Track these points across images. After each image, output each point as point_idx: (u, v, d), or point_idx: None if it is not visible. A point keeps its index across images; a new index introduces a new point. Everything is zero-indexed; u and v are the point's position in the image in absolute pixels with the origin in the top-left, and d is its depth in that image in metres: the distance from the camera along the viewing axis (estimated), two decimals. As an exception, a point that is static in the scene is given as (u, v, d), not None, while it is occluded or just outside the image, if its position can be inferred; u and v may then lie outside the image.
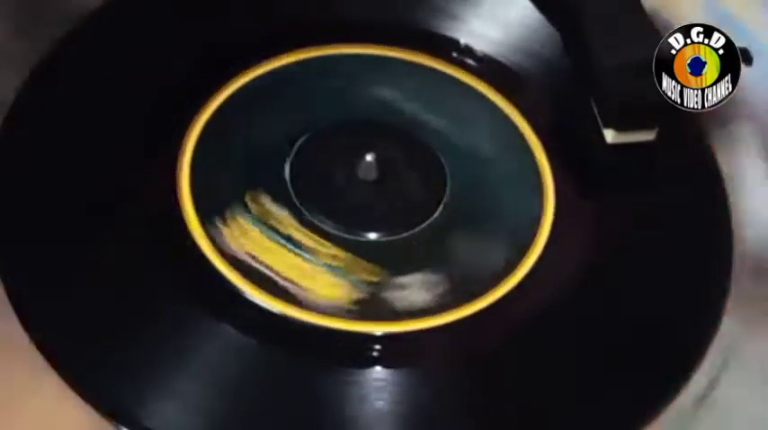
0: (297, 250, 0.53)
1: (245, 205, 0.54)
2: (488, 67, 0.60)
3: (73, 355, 0.49)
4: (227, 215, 0.53)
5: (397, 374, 0.50)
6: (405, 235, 0.54)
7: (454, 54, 0.60)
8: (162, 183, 0.54)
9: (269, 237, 0.53)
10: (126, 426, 0.48)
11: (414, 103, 0.59)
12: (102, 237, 0.52)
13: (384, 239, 0.54)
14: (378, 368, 0.50)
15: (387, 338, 0.51)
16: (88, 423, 0.48)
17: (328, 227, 0.54)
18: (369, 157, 0.55)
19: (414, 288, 0.52)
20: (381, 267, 0.53)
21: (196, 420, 0.48)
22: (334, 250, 0.53)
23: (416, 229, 0.54)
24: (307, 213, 0.54)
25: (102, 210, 0.53)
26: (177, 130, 0.56)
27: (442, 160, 0.56)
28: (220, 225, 0.53)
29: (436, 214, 0.55)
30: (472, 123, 0.58)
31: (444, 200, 0.55)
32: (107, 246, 0.52)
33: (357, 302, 0.52)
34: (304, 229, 0.53)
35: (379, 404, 0.49)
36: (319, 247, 0.53)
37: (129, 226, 0.53)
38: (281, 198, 0.54)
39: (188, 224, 0.53)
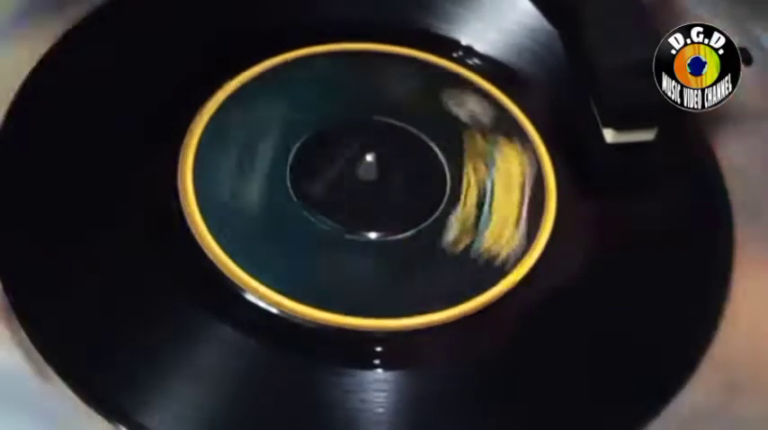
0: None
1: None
2: (489, 68, 0.60)
3: (73, 355, 0.49)
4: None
5: (397, 374, 0.50)
6: (402, 236, 0.54)
7: (455, 54, 0.60)
8: (163, 182, 0.54)
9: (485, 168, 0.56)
10: (126, 426, 0.48)
11: (414, 102, 0.59)
12: (103, 237, 0.52)
13: (381, 240, 0.54)
14: (378, 368, 0.50)
15: (387, 338, 0.51)
16: (88, 423, 0.48)
17: (327, 226, 0.54)
18: (369, 157, 0.55)
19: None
20: None
21: (196, 420, 0.48)
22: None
23: (414, 231, 0.54)
24: (306, 213, 0.54)
25: (103, 210, 0.53)
26: (178, 130, 0.56)
27: (442, 160, 0.56)
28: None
29: (435, 215, 0.55)
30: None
31: (444, 200, 0.55)
32: (107, 246, 0.52)
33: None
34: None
35: (379, 404, 0.49)
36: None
37: (130, 226, 0.53)
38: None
39: (189, 224, 0.53)
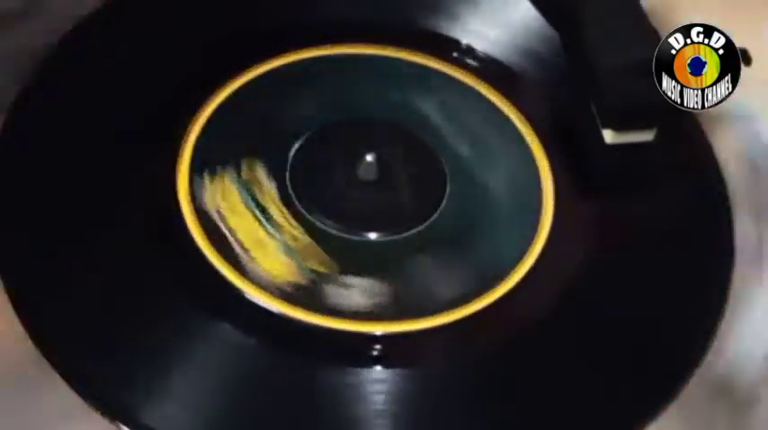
0: (264, 220, 0.53)
1: (239, 168, 0.54)
2: (489, 68, 0.60)
3: (73, 355, 0.49)
4: (217, 172, 0.54)
5: (397, 374, 0.50)
6: (398, 236, 0.54)
7: (455, 54, 0.60)
8: (162, 182, 0.54)
9: (244, 202, 0.53)
10: (126, 426, 0.48)
11: (414, 102, 0.59)
12: (103, 237, 0.52)
13: (363, 239, 0.54)
14: (378, 368, 0.50)
15: (387, 338, 0.51)
16: (88, 422, 0.48)
17: (326, 225, 0.54)
18: (369, 157, 0.55)
19: (355, 290, 0.52)
20: (335, 262, 0.53)
21: (196, 419, 0.48)
22: (296, 232, 0.53)
23: (412, 232, 0.54)
24: (298, 203, 0.54)
25: (103, 210, 0.53)
26: (177, 130, 0.56)
27: (442, 160, 0.56)
28: (207, 180, 0.53)
29: (435, 215, 0.55)
30: (472, 124, 0.58)
31: (443, 201, 0.55)
32: (107, 246, 0.52)
33: (295, 286, 0.52)
34: (280, 205, 0.54)
35: (379, 404, 0.49)
36: (286, 225, 0.53)
37: (130, 226, 0.53)
38: (275, 173, 0.55)
39: (188, 224, 0.53)
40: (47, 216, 0.53)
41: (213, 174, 0.54)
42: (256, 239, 0.53)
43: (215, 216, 0.53)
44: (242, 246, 0.52)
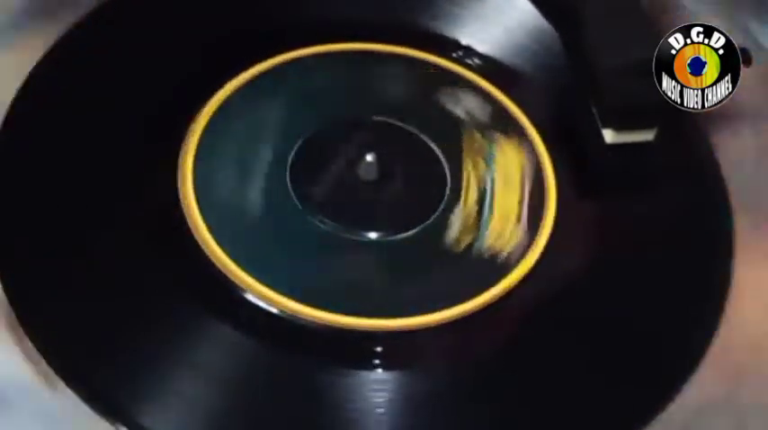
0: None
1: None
2: (489, 68, 0.60)
3: (73, 356, 0.49)
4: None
5: (397, 374, 0.50)
6: (402, 236, 0.54)
7: (455, 54, 0.60)
8: (163, 182, 0.54)
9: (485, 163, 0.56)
10: (126, 426, 0.48)
11: (414, 102, 0.59)
12: (103, 237, 0.52)
13: (381, 240, 0.54)
14: (378, 368, 0.50)
15: (387, 338, 0.51)
16: (88, 422, 0.48)
17: (324, 224, 0.54)
18: (369, 157, 0.55)
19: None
20: None
21: (196, 420, 0.48)
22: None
23: (414, 230, 0.54)
24: (306, 213, 0.54)
25: (103, 210, 0.53)
26: (178, 130, 0.56)
27: (442, 160, 0.56)
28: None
29: (435, 215, 0.55)
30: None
31: (444, 200, 0.55)
32: (107, 246, 0.52)
33: None
34: None
35: (379, 404, 0.49)
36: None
37: (130, 226, 0.53)
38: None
39: (189, 224, 0.53)
40: (46, 216, 0.53)
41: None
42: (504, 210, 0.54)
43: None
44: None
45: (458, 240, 0.54)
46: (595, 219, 0.55)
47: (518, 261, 0.53)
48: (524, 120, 0.58)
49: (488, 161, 0.56)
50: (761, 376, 0.52)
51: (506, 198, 0.55)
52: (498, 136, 0.57)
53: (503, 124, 0.58)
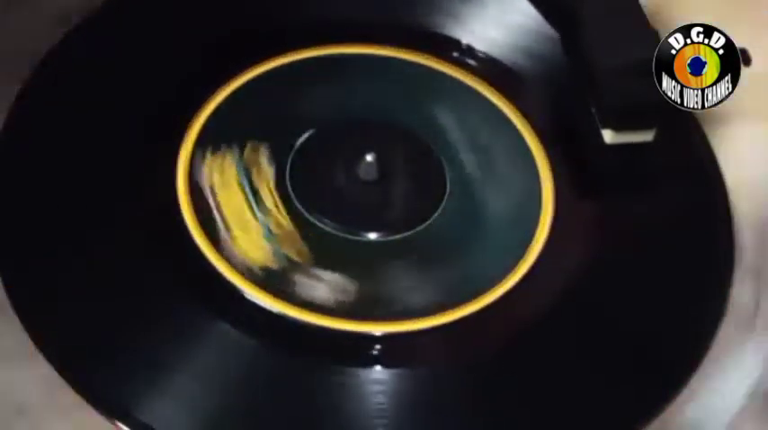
0: (252, 201, 0.53)
1: (242, 149, 0.55)
2: (489, 68, 0.60)
3: (73, 355, 0.49)
4: (221, 150, 0.54)
5: (397, 374, 0.50)
6: (397, 236, 0.54)
7: (455, 54, 0.60)
8: (162, 182, 0.54)
9: (239, 181, 0.54)
10: (126, 426, 0.48)
11: (414, 103, 0.59)
12: (103, 237, 0.52)
13: (381, 240, 0.54)
14: (378, 368, 0.50)
15: (387, 338, 0.51)
16: (88, 421, 0.48)
17: (316, 218, 0.54)
18: (369, 157, 0.55)
19: (323, 284, 0.52)
20: (311, 253, 0.53)
21: (196, 420, 0.48)
22: (282, 219, 0.53)
23: (411, 232, 0.54)
24: (301, 207, 0.54)
25: (103, 210, 0.53)
26: (178, 130, 0.56)
27: (442, 160, 0.56)
28: (208, 155, 0.54)
29: (435, 215, 0.55)
30: (472, 123, 0.58)
31: (443, 200, 0.55)
32: (107, 246, 0.52)
33: (264, 269, 0.52)
34: (274, 189, 0.54)
35: (379, 404, 0.49)
36: (273, 210, 0.54)
37: (130, 226, 0.53)
38: (277, 157, 0.55)
39: (188, 224, 0.53)
40: (47, 216, 0.53)
41: (216, 151, 0.55)
42: (240, 218, 0.53)
43: (207, 191, 0.53)
44: (225, 223, 0.53)
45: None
46: (595, 219, 0.55)
47: (518, 261, 0.53)
48: (524, 120, 0.58)
49: None
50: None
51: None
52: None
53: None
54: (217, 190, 0.54)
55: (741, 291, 0.54)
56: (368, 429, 0.49)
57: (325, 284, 0.52)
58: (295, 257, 0.53)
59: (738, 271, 0.55)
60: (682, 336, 0.53)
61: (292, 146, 0.56)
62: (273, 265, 0.52)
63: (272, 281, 0.52)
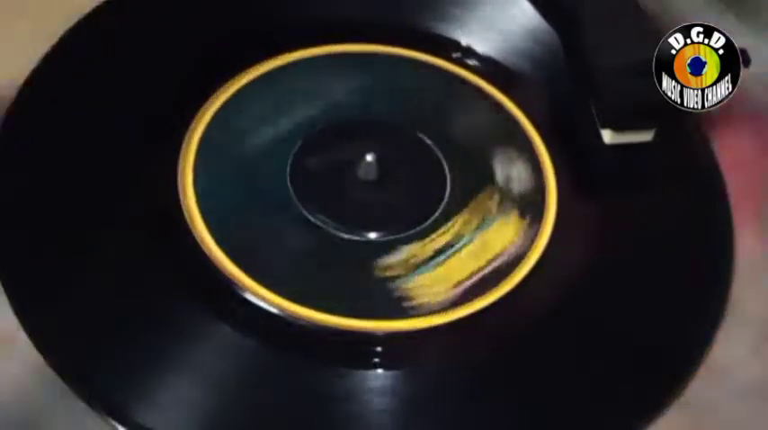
0: None
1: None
2: (489, 68, 0.60)
3: (73, 355, 0.49)
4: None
5: (396, 375, 0.50)
6: (402, 235, 0.54)
7: (455, 54, 0.60)
8: (163, 182, 0.54)
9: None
10: (125, 426, 0.48)
11: (414, 103, 0.59)
12: (103, 237, 0.52)
13: (381, 240, 0.54)
14: (377, 368, 0.50)
15: (387, 338, 0.51)
16: (88, 422, 0.48)
17: (329, 227, 0.54)
18: (369, 157, 0.55)
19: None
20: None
21: (196, 420, 0.48)
22: None
23: (411, 232, 0.54)
24: (306, 213, 0.54)
25: (103, 210, 0.53)
26: (178, 130, 0.56)
27: (442, 160, 0.56)
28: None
29: (435, 215, 0.55)
30: (472, 123, 0.58)
31: (444, 200, 0.55)
32: (107, 246, 0.52)
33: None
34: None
35: (380, 404, 0.49)
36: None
37: (130, 226, 0.53)
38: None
39: (189, 224, 0.53)
40: (47, 216, 0.53)
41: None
42: None
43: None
44: None
45: (388, 267, 0.53)
46: (595, 219, 0.55)
47: (518, 261, 0.53)
48: (524, 120, 0.58)
49: (482, 225, 0.55)
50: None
51: (463, 264, 0.54)
52: (513, 212, 0.55)
53: (529, 202, 0.56)
54: None
55: (741, 291, 0.54)
56: (368, 429, 0.49)
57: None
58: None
59: (738, 271, 0.55)
60: (682, 336, 0.53)
61: (293, 146, 0.56)
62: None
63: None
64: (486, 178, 0.56)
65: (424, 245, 0.54)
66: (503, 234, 0.54)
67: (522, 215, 0.55)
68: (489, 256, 0.54)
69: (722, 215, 0.56)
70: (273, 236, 0.53)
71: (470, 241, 0.54)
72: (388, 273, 0.53)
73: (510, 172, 0.56)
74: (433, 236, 0.54)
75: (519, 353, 0.51)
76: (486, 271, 0.53)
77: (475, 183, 0.56)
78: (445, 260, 0.53)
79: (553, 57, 0.59)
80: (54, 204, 0.53)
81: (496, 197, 0.55)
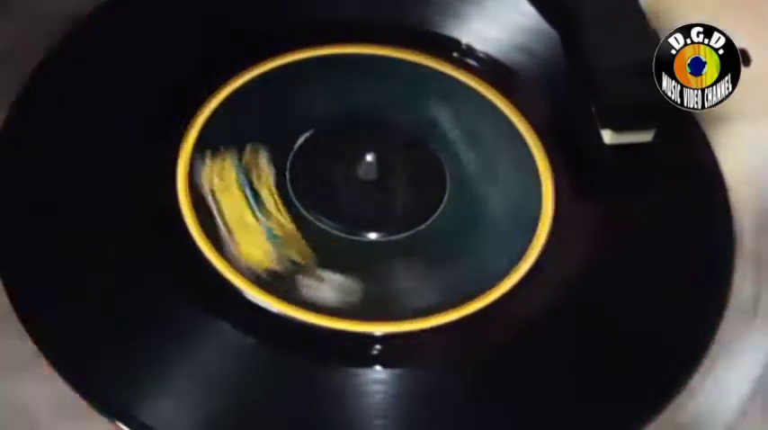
0: (253, 204, 0.54)
1: (241, 151, 0.55)
2: (489, 68, 0.60)
3: (73, 355, 0.49)
4: (220, 153, 0.54)
5: (396, 374, 0.50)
6: (397, 236, 0.54)
7: (455, 54, 0.60)
8: (162, 182, 0.54)
9: (239, 184, 0.54)
10: (126, 425, 0.48)
11: (414, 103, 0.59)
12: (103, 237, 0.52)
13: (381, 240, 0.54)
14: (378, 368, 0.50)
15: (387, 338, 0.51)
16: (88, 422, 0.48)
17: (317, 219, 0.54)
18: (369, 157, 0.55)
19: (327, 285, 0.52)
20: (314, 254, 0.53)
21: (196, 419, 0.48)
22: (283, 220, 0.53)
23: (411, 231, 0.54)
24: (302, 208, 0.54)
25: (103, 210, 0.53)
26: (177, 130, 0.56)
27: (442, 160, 0.56)
28: (207, 159, 0.54)
29: (435, 215, 0.55)
30: (472, 123, 0.58)
31: (444, 200, 0.55)
32: (107, 246, 0.52)
33: (270, 272, 0.52)
34: (275, 191, 0.54)
35: (379, 404, 0.49)
36: (274, 212, 0.54)
37: (130, 225, 0.53)
38: (277, 158, 0.55)
39: (188, 224, 0.53)
40: (47, 216, 0.53)
41: (215, 153, 0.55)
42: (242, 222, 0.53)
43: (207, 196, 0.53)
44: (227, 227, 0.53)
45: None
46: (595, 219, 0.55)
47: (518, 261, 0.53)
48: (524, 120, 0.58)
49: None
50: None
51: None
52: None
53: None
54: (217, 193, 0.54)
55: (741, 292, 0.54)
56: (368, 429, 0.49)
57: (328, 285, 0.52)
58: (298, 259, 0.52)
59: (738, 271, 0.55)
60: (682, 336, 0.53)
61: (292, 146, 0.56)
62: (278, 268, 0.52)
63: (279, 284, 0.52)
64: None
65: None
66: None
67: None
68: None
69: (722, 215, 0.56)
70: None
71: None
72: None
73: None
74: None
75: (518, 352, 0.51)
76: None
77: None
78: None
79: (553, 57, 0.59)
80: (54, 204, 0.53)
81: None
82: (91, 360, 0.49)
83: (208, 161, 0.54)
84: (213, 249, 0.52)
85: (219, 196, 0.54)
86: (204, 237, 0.52)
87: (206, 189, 0.54)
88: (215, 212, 0.53)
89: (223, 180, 0.54)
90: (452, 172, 0.56)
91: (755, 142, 0.59)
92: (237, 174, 0.54)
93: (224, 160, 0.55)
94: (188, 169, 0.54)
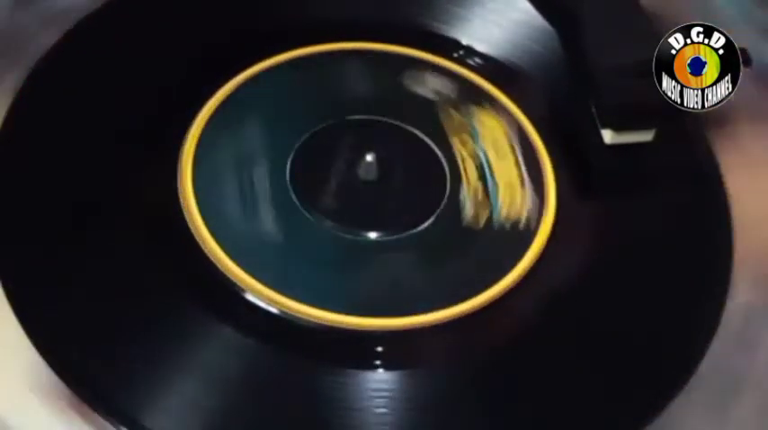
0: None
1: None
2: (489, 67, 0.60)
3: (73, 356, 0.49)
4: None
5: (397, 374, 0.50)
6: (398, 236, 0.54)
7: (455, 54, 0.60)
8: (163, 182, 0.54)
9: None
10: (126, 426, 0.48)
11: (414, 102, 0.59)
12: (103, 237, 0.52)
13: (381, 239, 0.54)
14: (378, 368, 0.50)
15: (387, 338, 0.51)
16: (88, 422, 0.48)
17: (327, 225, 0.54)
18: (369, 157, 0.55)
19: None
20: None
21: (196, 420, 0.48)
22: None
23: (411, 231, 0.54)
24: (306, 212, 0.54)
25: (103, 210, 0.53)
26: (177, 130, 0.56)
27: (442, 160, 0.56)
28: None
29: (435, 215, 0.55)
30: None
31: (444, 200, 0.55)
32: (108, 246, 0.52)
33: None
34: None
35: (380, 404, 0.49)
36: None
37: (130, 225, 0.53)
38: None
39: (189, 224, 0.53)
40: (47, 216, 0.53)
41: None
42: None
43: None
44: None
45: (476, 217, 0.54)
46: (595, 219, 0.55)
47: (518, 261, 0.53)
48: (524, 120, 0.58)
49: (473, 134, 0.56)
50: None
51: (503, 165, 0.56)
52: (471, 107, 0.58)
53: (469, 94, 0.58)
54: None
55: (740, 292, 0.54)
56: (368, 429, 0.49)
57: None
58: None
59: (737, 271, 0.55)
60: (681, 337, 0.53)
61: (292, 146, 0.56)
62: None
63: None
64: (430, 108, 0.58)
65: (469, 183, 0.55)
66: (490, 126, 0.57)
67: (478, 104, 0.58)
68: (506, 147, 0.56)
69: (722, 215, 0.56)
70: (273, 235, 0.53)
71: (484, 150, 0.56)
72: (482, 221, 0.54)
73: (431, 87, 0.58)
74: (463, 174, 0.55)
75: (518, 352, 0.51)
76: (520, 159, 0.56)
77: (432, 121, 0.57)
78: (492, 175, 0.55)
79: (554, 56, 0.59)
80: (54, 204, 0.53)
81: (451, 111, 0.58)
82: (91, 360, 0.49)
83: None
84: (213, 249, 0.52)
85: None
86: (205, 236, 0.52)
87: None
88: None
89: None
90: (452, 171, 0.56)
91: (756, 142, 0.59)
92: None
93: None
94: (190, 169, 0.54)
